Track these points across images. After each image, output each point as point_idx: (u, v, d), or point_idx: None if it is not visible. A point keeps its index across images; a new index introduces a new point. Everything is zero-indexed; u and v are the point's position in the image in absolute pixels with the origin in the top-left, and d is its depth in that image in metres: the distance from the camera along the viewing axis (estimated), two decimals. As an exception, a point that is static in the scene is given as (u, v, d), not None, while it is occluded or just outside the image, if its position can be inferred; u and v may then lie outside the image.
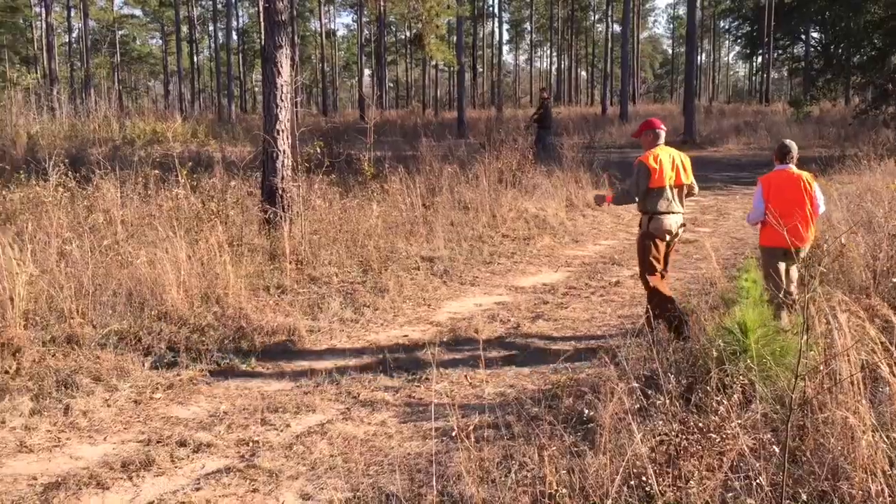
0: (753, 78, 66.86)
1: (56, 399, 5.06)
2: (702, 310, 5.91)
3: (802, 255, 6.22)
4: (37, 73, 40.67)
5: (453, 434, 4.25)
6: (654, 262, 6.18)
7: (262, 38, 10.34)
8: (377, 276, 8.29)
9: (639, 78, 64.38)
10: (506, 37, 79.12)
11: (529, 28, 71.24)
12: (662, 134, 6.31)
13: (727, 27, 64.98)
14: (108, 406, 5.07)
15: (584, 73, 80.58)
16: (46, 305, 6.29)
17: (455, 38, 30.17)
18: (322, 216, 9.72)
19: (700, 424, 3.73)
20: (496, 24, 65.23)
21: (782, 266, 6.09)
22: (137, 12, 69.09)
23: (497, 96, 54.84)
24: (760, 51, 49.95)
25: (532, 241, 10.62)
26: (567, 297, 8.01)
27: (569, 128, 22.16)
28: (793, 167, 6.19)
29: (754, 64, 64.38)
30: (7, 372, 5.33)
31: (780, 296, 5.85)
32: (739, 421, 3.76)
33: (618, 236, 11.42)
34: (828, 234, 7.94)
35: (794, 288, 6.14)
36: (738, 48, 68.36)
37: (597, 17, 68.66)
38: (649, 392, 4.31)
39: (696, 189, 6.45)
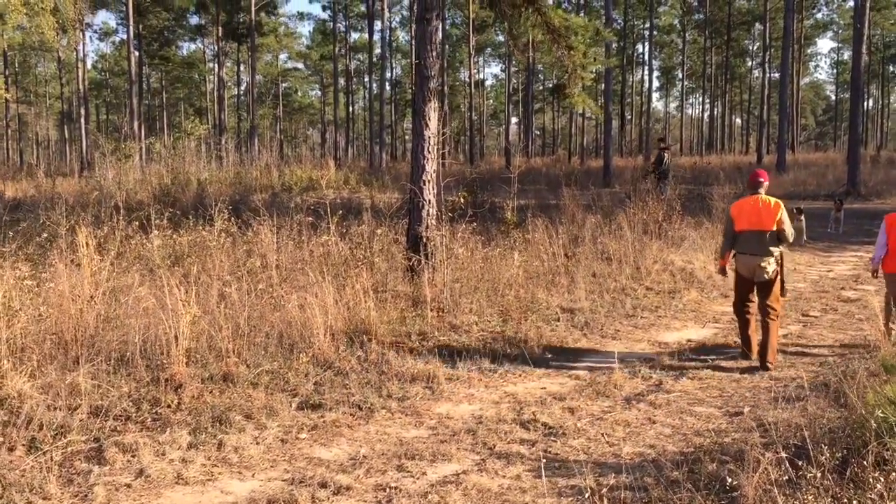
0: (927, 124, 62.56)
1: (211, 434, 5.37)
2: (861, 376, 5.54)
3: None
4: (208, 123, 43.91)
5: (587, 495, 4.17)
6: (740, 295, 7.42)
7: (413, 90, 10.74)
8: (517, 326, 8.31)
9: (798, 125, 61.65)
10: (655, 84, 78.16)
11: (680, 75, 69.92)
12: (758, 185, 7.33)
13: (897, 71, 61.37)
14: (258, 444, 5.32)
15: (738, 120, 78.17)
16: (206, 344, 6.71)
17: (603, 86, 30.07)
18: (464, 264, 9.87)
19: (855, 502, 3.49)
20: (646, 71, 64.66)
21: None
22: (300, 66, 73.84)
23: (645, 144, 53.96)
24: (935, 96, 46.75)
25: (678, 295, 10.31)
26: (714, 354, 7.71)
27: (720, 177, 21.52)
28: None
29: (928, 109, 60.29)
30: (169, 406, 5.72)
31: None
32: (899, 501, 3.49)
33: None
34: None
35: None
36: (909, 93, 64.37)
37: (754, 62, 66.58)
38: (799, 463, 4.07)
39: (789, 238, 7.19)
